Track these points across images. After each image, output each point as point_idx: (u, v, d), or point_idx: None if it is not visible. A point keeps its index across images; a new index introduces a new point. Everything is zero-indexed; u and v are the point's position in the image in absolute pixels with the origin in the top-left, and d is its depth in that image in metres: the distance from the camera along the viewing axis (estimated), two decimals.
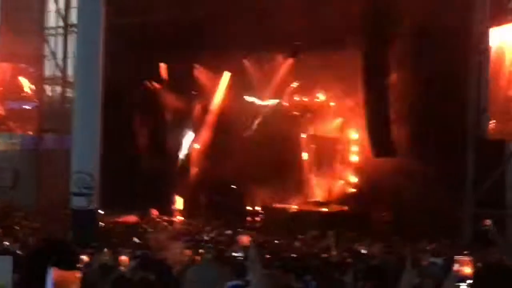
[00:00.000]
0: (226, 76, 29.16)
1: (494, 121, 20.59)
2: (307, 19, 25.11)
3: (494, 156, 20.33)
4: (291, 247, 18.32)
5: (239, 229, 11.58)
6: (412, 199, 21.49)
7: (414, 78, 22.06)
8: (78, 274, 4.33)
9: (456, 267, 4.87)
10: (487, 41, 20.48)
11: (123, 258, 12.43)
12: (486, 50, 20.52)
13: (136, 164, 28.98)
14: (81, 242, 13.68)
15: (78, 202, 17.88)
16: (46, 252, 4.34)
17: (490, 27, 20.51)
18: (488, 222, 15.07)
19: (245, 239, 11.18)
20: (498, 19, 20.62)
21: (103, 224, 21.61)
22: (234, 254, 11.51)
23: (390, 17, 22.21)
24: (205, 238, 19.38)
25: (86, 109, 18.56)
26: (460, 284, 4.77)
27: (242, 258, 10.84)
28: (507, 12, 20.70)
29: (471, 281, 4.43)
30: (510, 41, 20.06)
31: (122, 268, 10.50)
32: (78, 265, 4.55)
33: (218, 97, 29.51)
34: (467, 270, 4.73)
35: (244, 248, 11.16)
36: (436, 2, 20.01)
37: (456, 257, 4.61)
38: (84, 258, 11.36)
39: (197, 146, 29.60)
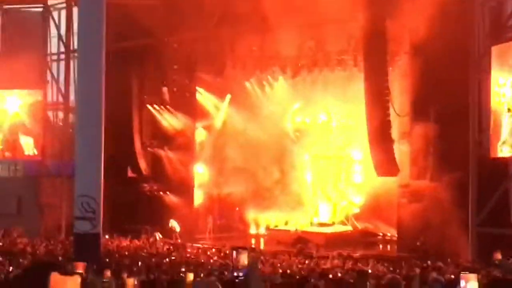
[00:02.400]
0: (227, 98, 29.28)
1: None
2: (309, 40, 25.25)
3: (497, 175, 20.28)
4: (295, 268, 18.23)
5: (241, 249, 11.51)
6: (415, 218, 21.42)
7: (415, 98, 22.09)
8: (78, 280, 4.32)
9: (462, 283, 4.86)
10: (488, 59, 20.52)
11: (129, 280, 12.43)
12: (486, 68, 20.55)
13: (138, 188, 29.00)
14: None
15: (81, 226, 17.86)
16: (34, 273, 4.32)
17: (490, 45, 20.54)
18: (498, 256, 15.05)
19: (246, 259, 11.14)
20: (498, 37, 20.67)
21: (107, 247, 21.62)
22: (236, 274, 11.45)
23: (390, 38, 22.28)
24: (211, 260, 19.36)
25: (89, 134, 18.59)
26: None
27: (244, 278, 10.83)
28: (507, 30, 20.74)
29: None
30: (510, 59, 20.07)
31: None
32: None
33: (221, 119, 29.60)
34: (474, 286, 4.73)
35: (246, 268, 11.11)
36: (436, 21, 20.05)
37: (463, 273, 4.62)
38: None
39: (199, 168, 29.61)
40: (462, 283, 4.89)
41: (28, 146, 29.79)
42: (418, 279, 12.99)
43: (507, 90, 19.92)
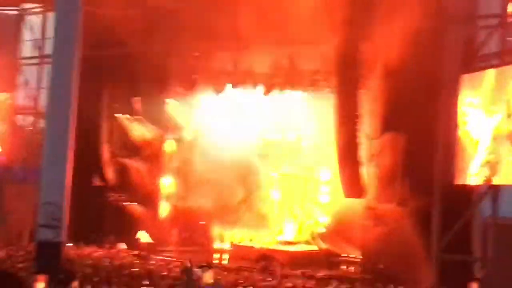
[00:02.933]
0: (196, 111, 29.26)
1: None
2: (283, 58, 25.39)
3: (462, 202, 20.48)
4: (258, 285, 18.24)
5: (206, 267, 11.47)
6: (380, 241, 21.56)
7: (385, 122, 22.30)
8: None
9: None
10: (458, 87, 20.77)
11: None
12: (456, 96, 20.80)
13: (104, 197, 28.81)
14: (46, 275, 13.53)
15: (44, 234, 17.65)
16: None
17: (461, 73, 20.80)
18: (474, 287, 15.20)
19: (211, 277, 11.12)
20: (469, 65, 20.93)
21: (69, 256, 21.40)
22: None
23: (362, 60, 22.49)
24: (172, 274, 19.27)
25: (57, 140, 18.43)
26: None
27: None
28: (479, 59, 21.02)
29: None
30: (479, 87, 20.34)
31: None
32: None
33: (190, 132, 29.57)
34: None
35: (209, 285, 11.11)
36: (408, 47, 20.27)
37: None
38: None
39: (167, 180, 29.51)
40: None
41: None
42: None
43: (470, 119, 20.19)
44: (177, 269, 20.72)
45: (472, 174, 20.00)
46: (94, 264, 20.58)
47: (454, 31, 21.33)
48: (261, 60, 25.36)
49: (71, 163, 18.33)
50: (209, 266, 11.58)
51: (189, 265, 11.93)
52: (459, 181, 20.41)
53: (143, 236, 27.36)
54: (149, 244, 27.30)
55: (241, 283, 18.37)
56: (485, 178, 19.52)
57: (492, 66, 20.31)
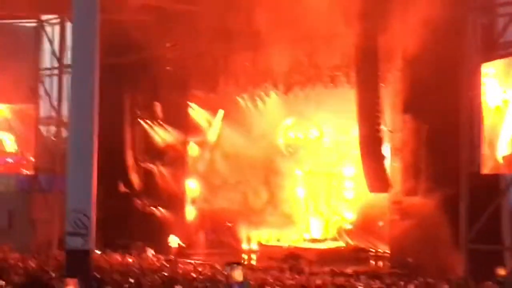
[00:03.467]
0: (220, 113, 29.31)
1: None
2: (302, 56, 25.35)
3: (489, 191, 20.32)
4: (286, 283, 18.19)
5: (235, 264, 11.40)
6: (407, 234, 21.45)
7: (406, 114, 22.18)
8: None
9: None
10: (479, 76, 20.61)
11: None
12: (477, 85, 20.64)
13: (130, 203, 28.94)
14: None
15: (73, 242, 17.74)
16: None
17: (481, 62, 20.63)
18: (502, 272, 15.04)
19: (241, 274, 11.06)
20: (489, 54, 20.77)
21: (99, 263, 21.50)
22: None
23: (382, 54, 22.40)
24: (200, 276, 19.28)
25: (81, 148, 18.53)
26: None
27: None
28: (499, 47, 20.85)
29: None
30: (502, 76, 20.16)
31: None
32: None
33: (213, 134, 29.62)
34: None
35: (240, 284, 11.04)
36: (427, 38, 20.16)
37: None
38: None
39: (192, 183, 29.58)
40: None
41: (8, 143, 29.72)
42: None
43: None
44: (206, 272, 20.77)
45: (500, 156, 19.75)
46: (123, 270, 20.63)
47: (473, 19, 21.15)
48: (280, 59, 25.32)
49: (96, 170, 18.42)
50: (238, 263, 11.51)
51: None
52: (485, 169, 20.23)
53: (173, 240, 27.42)
54: (177, 248, 27.37)
55: (270, 282, 18.34)
56: None
57: None
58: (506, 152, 19.78)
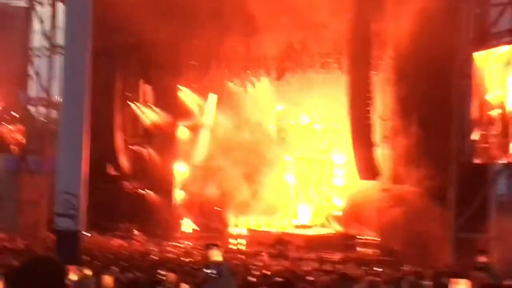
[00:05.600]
0: (212, 97, 29.25)
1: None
2: (295, 42, 25.32)
3: (477, 180, 20.42)
4: (275, 269, 18.26)
5: (214, 246, 11.39)
6: (396, 222, 21.55)
7: (398, 102, 22.23)
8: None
9: None
10: (471, 66, 20.65)
11: (107, 277, 12.37)
12: (469, 74, 20.70)
13: (119, 185, 28.90)
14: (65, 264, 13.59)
15: (62, 223, 17.75)
16: (33, 270, 4.25)
17: (473, 51, 20.68)
18: (483, 259, 15.14)
19: (219, 255, 11.07)
20: (482, 43, 20.81)
21: (87, 245, 21.51)
22: (206, 270, 11.29)
23: (374, 41, 22.42)
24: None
25: (72, 130, 18.49)
26: None
27: (216, 274, 10.78)
28: (491, 36, 20.89)
29: None
30: (494, 65, 20.21)
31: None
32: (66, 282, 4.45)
33: (208, 118, 29.57)
34: None
35: (219, 265, 10.99)
36: (420, 26, 20.18)
37: (453, 279, 4.59)
38: (73, 275, 11.34)
39: (181, 167, 29.56)
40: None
41: None
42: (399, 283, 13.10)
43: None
44: (195, 255, 20.83)
45: None
46: (110, 253, 20.67)
47: (466, 9, 21.18)
48: (272, 45, 25.28)
49: (87, 152, 18.40)
50: (216, 245, 11.51)
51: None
52: (475, 160, 20.32)
53: (186, 224, 27.51)
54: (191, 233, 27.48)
55: (258, 266, 18.40)
56: None
57: (504, 43, 20.18)
58: None
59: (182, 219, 28.70)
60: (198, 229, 27.88)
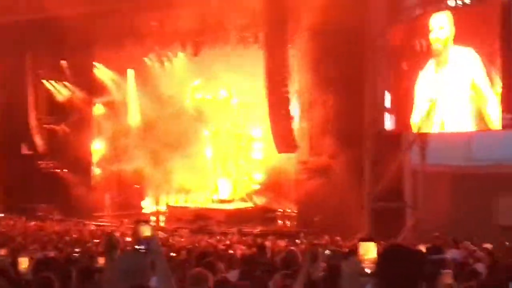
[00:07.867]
0: (130, 73, 28.88)
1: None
2: (210, 17, 25.13)
3: (392, 151, 20.82)
4: (195, 244, 18.25)
5: (144, 222, 11.27)
6: (314, 194, 21.81)
7: (314, 76, 22.40)
8: None
9: (361, 251, 4.93)
10: (384, 40, 20.97)
11: (23, 259, 12.08)
12: (382, 48, 21.02)
13: (34, 165, 28.26)
14: None
15: None
16: None
17: (387, 25, 20.99)
18: None
19: (149, 231, 10.99)
20: (394, 17, 21.14)
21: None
22: (136, 247, 11.22)
23: (289, 15, 22.48)
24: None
25: None
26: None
27: (145, 251, 10.68)
28: (403, 10, 21.23)
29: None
30: (408, 38, 20.56)
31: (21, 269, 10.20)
32: None
33: (121, 94, 29.17)
34: (372, 254, 4.83)
35: (149, 240, 10.92)
36: (332, 1, 20.32)
37: (361, 242, 4.69)
38: None
39: (98, 145, 29.14)
40: (361, 251, 4.99)
41: None
42: (316, 252, 13.26)
43: None
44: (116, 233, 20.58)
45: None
46: (26, 233, 20.21)
47: None
48: (188, 19, 25.03)
49: None
50: (146, 221, 11.40)
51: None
52: (389, 130, 20.72)
53: (147, 206, 27.28)
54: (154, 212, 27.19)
55: (179, 242, 18.35)
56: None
57: (416, 17, 20.55)
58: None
59: (101, 197, 28.35)
60: (161, 209, 27.59)
